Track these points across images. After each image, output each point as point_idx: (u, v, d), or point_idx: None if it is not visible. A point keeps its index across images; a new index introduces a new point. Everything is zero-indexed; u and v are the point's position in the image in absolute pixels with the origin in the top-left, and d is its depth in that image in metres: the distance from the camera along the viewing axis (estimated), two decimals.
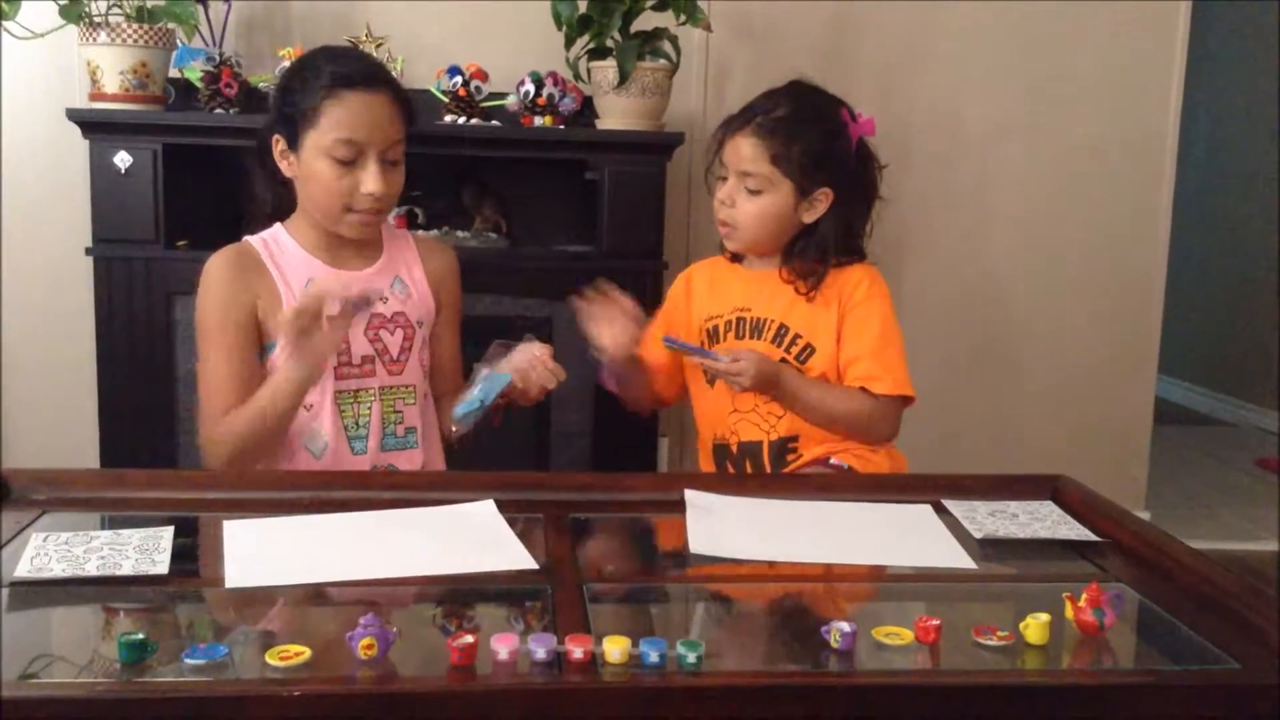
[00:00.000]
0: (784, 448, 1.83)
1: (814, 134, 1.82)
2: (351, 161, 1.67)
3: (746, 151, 1.81)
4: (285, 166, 1.73)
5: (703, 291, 1.96)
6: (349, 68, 1.70)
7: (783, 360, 1.83)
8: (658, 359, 1.93)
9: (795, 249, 1.87)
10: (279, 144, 1.72)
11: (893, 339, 1.84)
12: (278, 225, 1.79)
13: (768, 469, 1.83)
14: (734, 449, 1.86)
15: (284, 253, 1.75)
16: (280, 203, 1.81)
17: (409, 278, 1.82)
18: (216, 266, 1.74)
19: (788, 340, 1.84)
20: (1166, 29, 3.12)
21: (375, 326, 1.75)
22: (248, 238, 1.78)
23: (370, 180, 1.68)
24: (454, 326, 1.91)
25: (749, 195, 1.83)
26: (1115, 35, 3.10)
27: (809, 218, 1.84)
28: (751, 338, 1.87)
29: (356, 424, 1.74)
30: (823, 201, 1.84)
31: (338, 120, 1.66)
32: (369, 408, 1.75)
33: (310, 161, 1.68)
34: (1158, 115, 3.16)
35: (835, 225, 1.85)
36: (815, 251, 1.86)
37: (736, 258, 1.95)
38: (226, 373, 1.68)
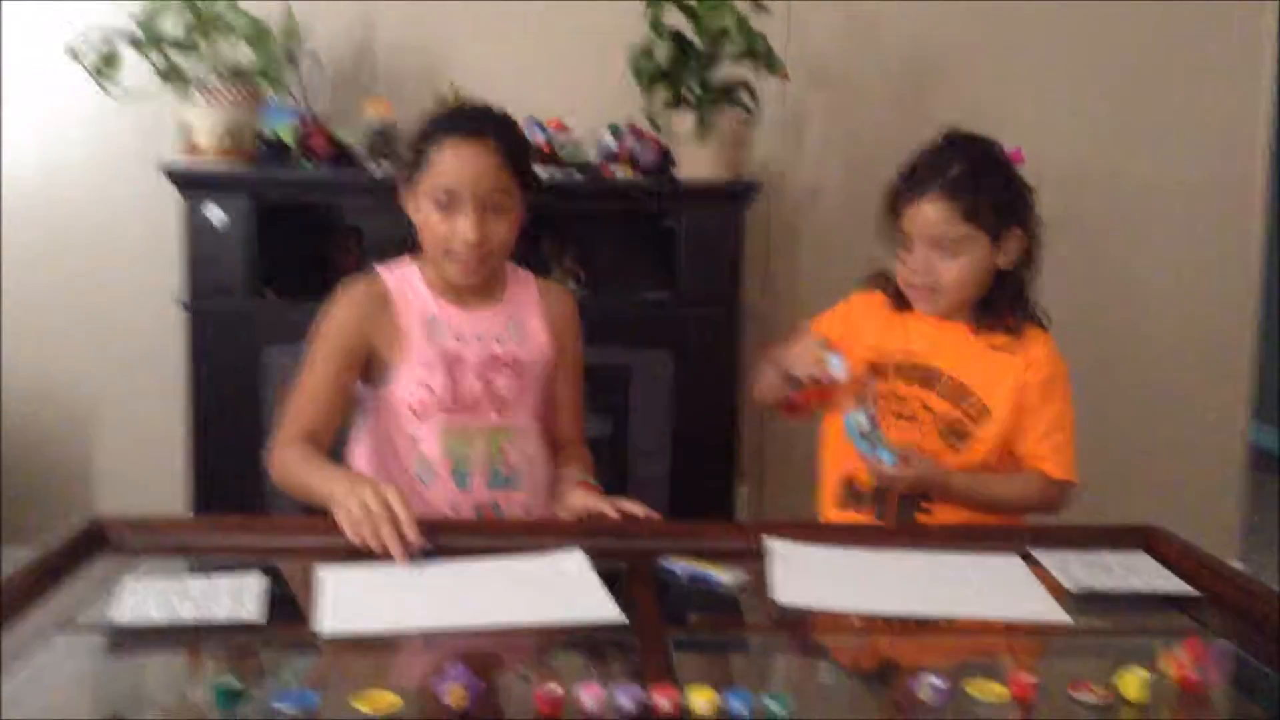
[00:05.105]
0: (915, 504, 1.78)
1: (996, 179, 1.79)
2: (451, 207, 1.72)
3: (934, 216, 1.75)
4: (411, 211, 1.79)
5: (873, 321, 1.88)
6: (456, 117, 1.77)
7: (957, 420, 1.78)
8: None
9: (990, 298, 1.82)
10: (404, 190, 1.79)
11: (1068, 421, 1.82)
12: (407, 258, 1.84)
13: (894, 514, 1.78)
14: (866, 489, 1.81)
15: (411, 288, 1.80)
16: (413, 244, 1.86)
17: (526, 322, 1.84)
18: (345, 295, 1.79)
19: (962, 398, 1.79)
20: (1252, 62, 3.07)
21: (489, 368, 1.78)
22: (381, 269, 1.83)
23: (464, 227, 1.71)
24: (574, 377, 1.91)
25: (948, 257, 1.77)
26: (1199, 72, 3.06)
27: (1004, 262, 1.80)
28: (922, 387, 1.80)
29: (460, 462, 1.76)
30: (1015, 243, 1.80)
31: (439, 168, 1.71)
32: (476, 447, 1.77)
33: (420, 206, 1.75)
34: (1246, 152, 3.10)
35: (1026, 268, 1.83)
36: (1010, 298, 1.82)
37: (902, 306, 1.87)
38: (310, 396, 1.74)
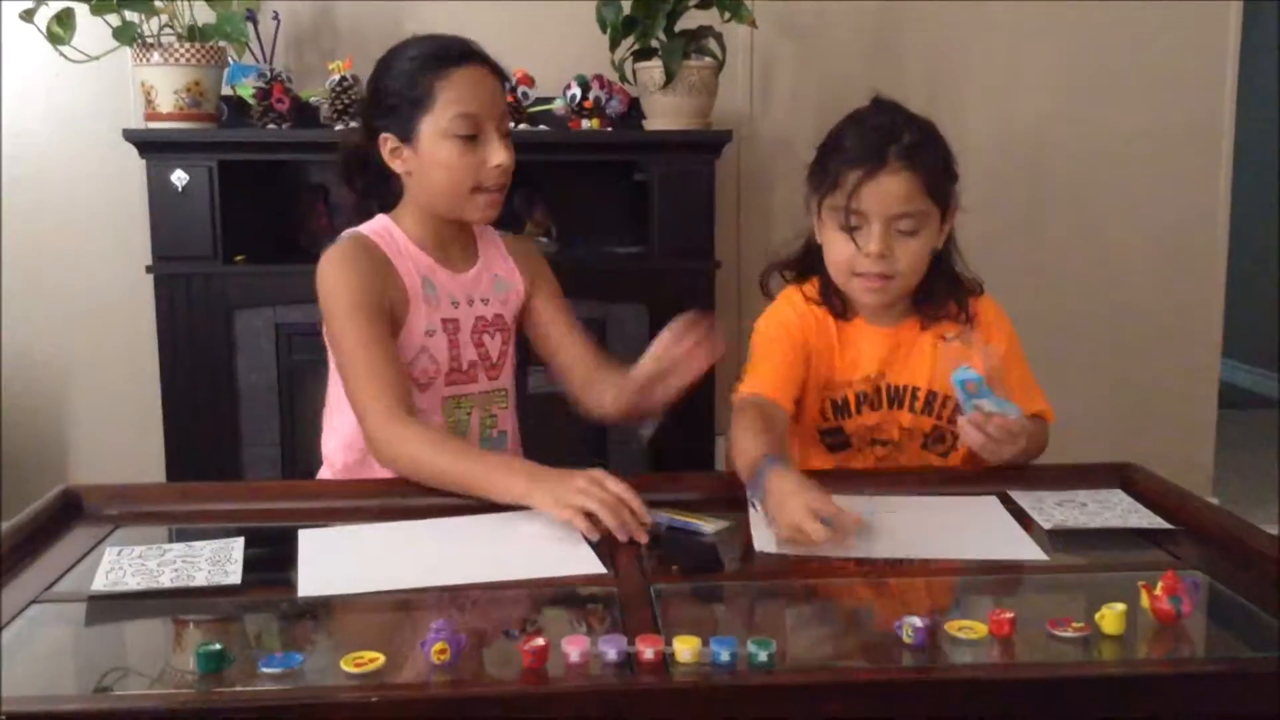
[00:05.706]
0: None
1: (942, 147, 1.62)
2: (472, 137, 1.64)
3: (900, 190, 1.55)
4: (399, 164, 1.67)
5: (822, 343, 1.69)
6: (449, 47, 1.66)
7: (934, 428, 1.67)
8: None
9: (928, 286, 1.66)
10: (388, 143, 1.67)
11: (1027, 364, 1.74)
12: (384, 218, 1.73)
13: None
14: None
15: (403, 247, 1.69)
16: (362, 211, 1.77)
17: (505, 273, 1.80)
18: (341, 255, 1.65)
19: (938, 406, 1.67)
20: (1219, 11, 3.07)
21: (479, 331, 1.73)
22: (360, 229, 1.71)
23: (496, 152, 1.65)
24: (564, 308, 1.83)
25: (905, 237, 1.58)
26: (1166, 22, 3.06)
27: (940, 243, 1.64)
28: (893, 409, 1.68)
29: (458, 428, 1.72)
30: (950, 220, 1.64)
31: (453, 98, 1.62)
32: (469, 413, 1.74)
33: (431, 147, 1.64)
34: (1213, 98, 3.11)
35: (952, 246, 1.68)
36: (945, 282, 1.67)
37: (840, 311, 1.69)
38: (382, 364, 1.56)
